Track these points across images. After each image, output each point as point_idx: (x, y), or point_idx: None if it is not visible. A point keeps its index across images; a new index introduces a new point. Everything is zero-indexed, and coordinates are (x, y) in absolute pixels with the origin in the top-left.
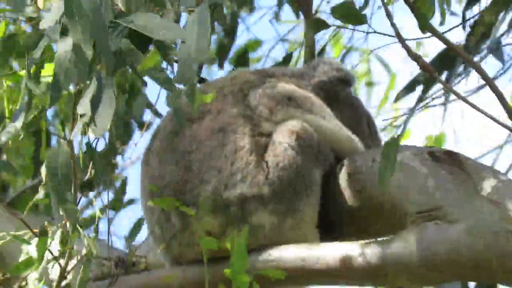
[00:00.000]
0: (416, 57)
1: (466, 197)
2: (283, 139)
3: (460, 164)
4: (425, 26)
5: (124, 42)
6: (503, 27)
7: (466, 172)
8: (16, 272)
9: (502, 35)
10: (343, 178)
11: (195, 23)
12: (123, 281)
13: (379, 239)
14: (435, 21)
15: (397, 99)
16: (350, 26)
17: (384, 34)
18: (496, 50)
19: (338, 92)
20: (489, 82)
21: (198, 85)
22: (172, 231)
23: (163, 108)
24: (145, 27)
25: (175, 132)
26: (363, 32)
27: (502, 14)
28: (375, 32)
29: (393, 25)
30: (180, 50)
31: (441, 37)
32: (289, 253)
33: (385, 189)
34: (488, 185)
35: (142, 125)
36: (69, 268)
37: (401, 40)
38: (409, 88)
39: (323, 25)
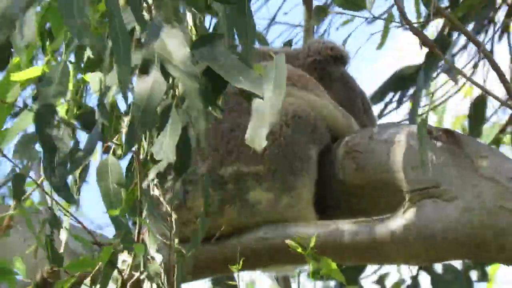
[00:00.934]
0: (417, 32)
1: (464, 175)
2: (278, 117)
3: (458, 142)
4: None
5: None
6: None
7: (464, 151)
8: (72, 269)
9: None
10: (340, 156)
11: (271, 77)
12: None
13: (376, 217)
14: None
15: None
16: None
17: (383, 19)
18: None
19: (333, 71)
20: (490, 58)
21: None
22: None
23: None
24: (222, 68)
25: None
26: (364, 18)
27: None
28: (375, 18)
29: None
30: (255, 107)
31: (445, 15)
32: (285, 231)
33: (424, 168)
34: (485, 163)
35: None
36: None
37: (405, 19)
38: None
39: (323, 11)
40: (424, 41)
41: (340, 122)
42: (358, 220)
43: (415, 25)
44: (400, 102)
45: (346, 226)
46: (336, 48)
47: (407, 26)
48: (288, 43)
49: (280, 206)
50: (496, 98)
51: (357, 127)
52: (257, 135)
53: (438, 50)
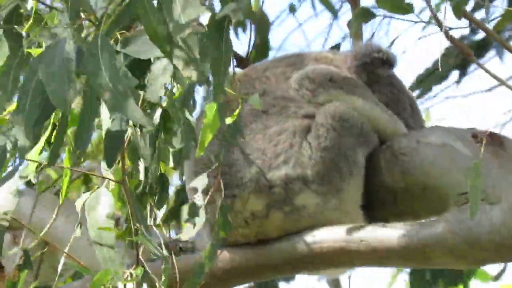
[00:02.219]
0: (452, 38)
1: (509, 177)
2: (325, 120)
3: (502, 145)
4: (459, 12)
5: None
6: None
7: (509, 153)
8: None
9: None
10: (386, 159)
11: None
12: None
13: (422, 220)
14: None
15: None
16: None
17: (428, 23)
18: None
19: (380, 74)
20: None
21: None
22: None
23: None
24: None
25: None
26: (412, 21)
27: None
28: (421, 21)
29: (431, 9)
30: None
31: (476, 22)
32: (331, 235)
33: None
34: None
35: None
36: None
37: (438, 22)
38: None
39: (370, 14)
40: (461, 49)
41: (387, 125)
42: (404, 223)
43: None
44: None
45: (393, 229)
46: (384, 51)
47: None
48: (336, 47)
49: (327, 209)
50: None
51: (404, 130)
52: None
53: (474, 57)
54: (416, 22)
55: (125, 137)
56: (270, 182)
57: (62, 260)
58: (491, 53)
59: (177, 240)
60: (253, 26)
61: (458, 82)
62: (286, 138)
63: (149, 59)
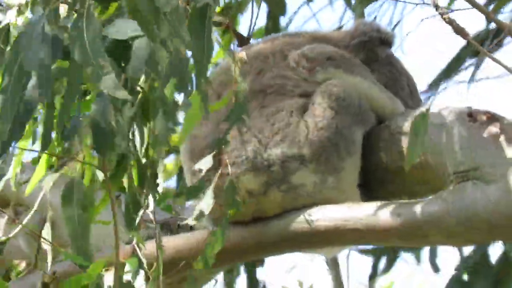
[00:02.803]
0: (450, 22)
1: (505, 157)
2: (322, 99)
3: (499, 124)
4: None
5: None
6: None
7: (505, 133)
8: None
9: None
10: (384, 138)
11: None
12: (165, 242)
13: (418, 199)
14: None
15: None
16: None
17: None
18: None
19: (378, 53)
20: None
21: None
22: (214, 192)
23: None
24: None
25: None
26: (414, 4)
27: None
28: (424, 3)
29: None
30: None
31: (480, 7)
32: (329, 213)
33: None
34: None
35: None
36: None
37: (436, 6)
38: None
39: None
40: (457, 30)
41: (386, 104)
42: (400, 202)
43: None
44: None
45: (389, 208)
46: (382, 30)
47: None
48: (339, 29)
49: (325, 188)
50: None
51: (402, 109)
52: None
53: (472, 39)
54: (417, 4)
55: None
56: (267, 161)
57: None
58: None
59: (176, 218)
60: (254, 6)
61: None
62: (283, 117)
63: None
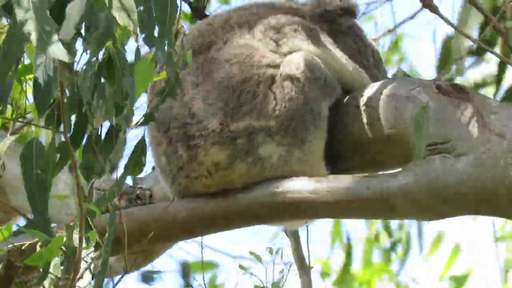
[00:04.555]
0: None
1: (473, 130)
2: (290, 70)
3: (467, 97)
4: None
5: None
6: None
7: (474, 106)
8: (32, 262)
9: None
10: (351, 110)
11: None
12: (127, 214)
13: (387, 171)
14: None
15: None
16: None
17: None
18: None
19: (342, 23)
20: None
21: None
22: (179, 163)
23: None
24: None
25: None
26: None
27: None
28: None
29: None
30: None
31: None
32: (296, 185)
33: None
34: (495, 118)
35: None
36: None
37: None
38: None
39: None
40: (424, 3)
41: (351, 76)
42: (368, 174)
43: None
44: None
45: (356, 181)
46: (346, 0)
47: None
48: None
49: (291, 160)
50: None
51: (368, 81)
52: None
53: (437, 9)
54: None
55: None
56: (233, 133)
57: None
58: None
59: (135, 188)
60: None
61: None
62: (249, 88)
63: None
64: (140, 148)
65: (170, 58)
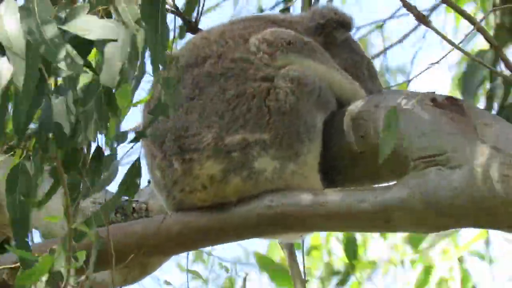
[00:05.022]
0: (410, 8)
1: (468, 143)
2: (284, 84)
3: (462, 110)
4: None
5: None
6: None
7: (468, 118)
8: (23, 281)
9: None
10: (345, 123)
11: None
12: (122, 228)
13: (381, 184)
14: None
15: None
16: None
17: None
18: None
19: (337, 36)
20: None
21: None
22: (174, 177)
23: None
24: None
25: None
26: None
27: None
28: None
29: None
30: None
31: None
32: (291, 199)
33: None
34: (489, 131)
35: None
36: None
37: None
38: None
39: None
40: (413, 12)
41: (346, 89)
42: (364, 187)
43: None
44: None
45: (351, 194)
46: (340, 13)
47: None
48: (286, 10)
49: (285, 173)
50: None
51: (363, 93)
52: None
53: (431, 24)
54: None
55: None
56: (228, 147)
57: None
58: None
59: (131, 201)
60: None
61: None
62: (244, 102)
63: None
64: (135, 170)
65: (166, 84)
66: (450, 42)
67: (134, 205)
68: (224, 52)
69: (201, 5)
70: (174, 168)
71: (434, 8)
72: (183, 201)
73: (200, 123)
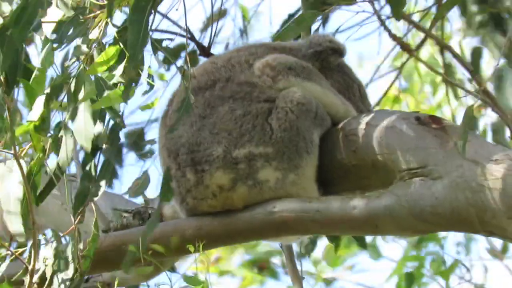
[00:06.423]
0: (394, 37)
1: (448, 156)
2: (285, 104)
3: (443, 127)
4: (398, 14)
5: None
6: None
7: (448, 135)
8: None
9: None
10: (339, 139)
11: None
12: (140, 230)
13: (371, 193)
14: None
15: None
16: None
17: (371, 13)
18: None
19: (331, 61)
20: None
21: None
22: (187, 186)
23: None
24: None
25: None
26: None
27: None
28: (364, 11)
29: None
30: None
31: (414, 23)
32: (290, 206)
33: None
34: (468, 146)
35: None
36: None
37: (380, 20)
38: None
39: (317, 4)
40: (401, 45)
41: (339, 109)
42: (355, 196)
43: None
44: None
45: (345, 201)
46: (334, 41)
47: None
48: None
49: (286, 183)
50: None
51: (354, 113)
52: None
53: (415, 53)
54: (357, 12)
55: None
56: (236, 159)
57: None
58: None
59: (147, 207)
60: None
61: None
62: (250, 120)
63: None
64: (167, 178)
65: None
66: (434, 70)
67: (149, 211)
68: (232, 76)
69: (213, 31)
70: (187, 178)
71: (422, 42)
72: (196, 207)
73: (211, 139)
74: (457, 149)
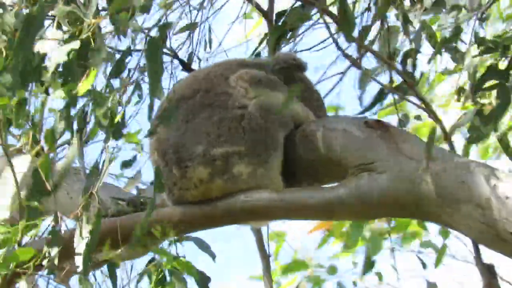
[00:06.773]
0: (346, 54)
1: (392, 154)
2: (255, 110)
3: (387, 130)
4: (350, 36)
5: None
6: None
7: (392, 136)
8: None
9: None
10: (300, 139)
11: None
12: (134, 217)
13: (327, 185)
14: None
15: None
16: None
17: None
18: None
19: (295, 76)
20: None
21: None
22: (174, 179)
23: None
24: None
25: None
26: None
27: None
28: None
29: (330, 32)
30: None
31: (366, 47)
32: (259, 196)
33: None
34: (406, 146)
35: None
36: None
37: (333, 38)
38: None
39: (282, 28)
40: (354, 64)
41: (301, 114)
42: (313, 187)
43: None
44: None
45: (306, 192)
46: (298, 59)
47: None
48: (257, 55)
49: (257, 176)
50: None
51: (313, 117)
52: None
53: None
54: (314, 28)
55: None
56: (214, 156)
57: None
58: None
59: (139, 197)
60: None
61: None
62: (226, 124)
63: None
64: (158, 175)
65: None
66: (377, 81)
67: (142, 199)
68: (211, 87)
69: (195, 49)
70: (173, 173)
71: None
72: (181, 197)
73: (193, 140)
74: (398, 148)
